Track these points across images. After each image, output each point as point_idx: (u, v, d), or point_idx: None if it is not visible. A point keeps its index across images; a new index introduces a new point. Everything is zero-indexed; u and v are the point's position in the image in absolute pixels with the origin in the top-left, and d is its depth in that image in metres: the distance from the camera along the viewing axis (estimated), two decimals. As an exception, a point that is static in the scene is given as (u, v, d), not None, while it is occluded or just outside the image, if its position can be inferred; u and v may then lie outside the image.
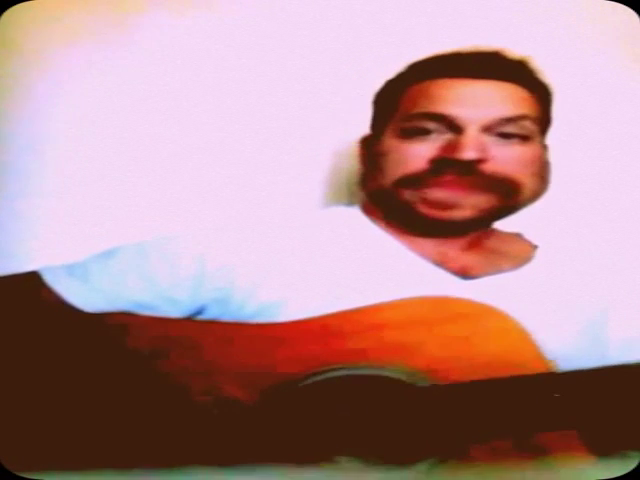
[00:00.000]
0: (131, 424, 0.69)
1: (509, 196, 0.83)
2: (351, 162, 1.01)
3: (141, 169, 1.10)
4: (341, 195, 1.10)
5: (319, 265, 0.83)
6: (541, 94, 0.87)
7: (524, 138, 0.83)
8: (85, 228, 1.07)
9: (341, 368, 0.71)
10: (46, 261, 0.84)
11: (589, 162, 1.13)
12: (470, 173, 0.81)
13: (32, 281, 0.81)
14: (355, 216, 0.91)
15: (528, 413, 0.66)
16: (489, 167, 0.81)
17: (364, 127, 0.93)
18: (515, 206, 0.86)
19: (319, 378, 0.71)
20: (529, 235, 0.93)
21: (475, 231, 0.87)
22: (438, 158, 0.82)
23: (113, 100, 1.11)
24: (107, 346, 0.74)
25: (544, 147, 0.89)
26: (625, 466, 0.62)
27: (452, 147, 0.81)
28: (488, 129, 0.82)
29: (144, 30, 1.11)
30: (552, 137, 0.92)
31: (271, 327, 0.75)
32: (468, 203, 0.82)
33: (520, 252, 0.89)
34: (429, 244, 0.86)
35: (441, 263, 0.84)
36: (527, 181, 0.84)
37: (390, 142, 0.86)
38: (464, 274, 0.84)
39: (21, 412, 0.70)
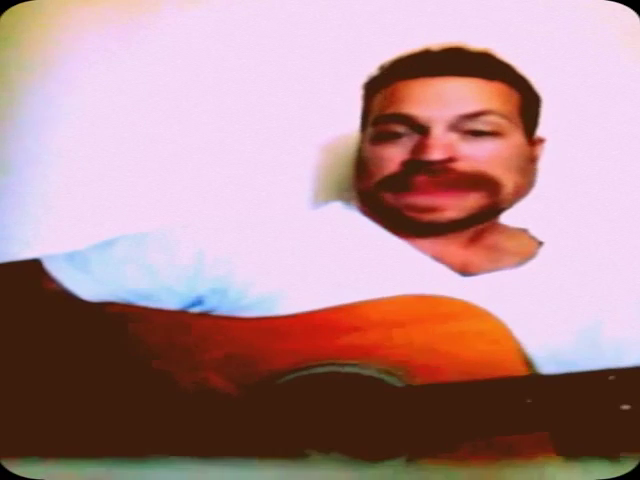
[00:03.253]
0: (124, 414, 0.69)
1: (491, 193, 0.83)
2: (341, 159, 1.02)
3: (140, 164, 1.11)
4: (332, 192, 1.10)
5: (317, 259, 0.83)
6: (513, 82, 0.86)
7: (495, 134, 0.82)
8: (87, 225, 1.07)
9: (318, 365, 0.71)
10: (48, 250, 0.85)
11: (589, 162, 1.13)
12: (441, 173, 0.81)
13: (33, 268, 0.81)
14: (354, 213, 0.91)
15: (503, 415, 0.66)
16: (461, 165, 0.81)
17: (355, 124, 0.94)
18: (500, 203, 0.85)
19: (300, 374, 0.71)
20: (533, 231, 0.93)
21: (468, 229, 0.86)
22: (407, 160, 0.82)
23: (114, 99, 1.11)
24: (104, 336, 0.74)
25: (528, 141, 0.87)
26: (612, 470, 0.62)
27: (419, 148, 0.81)
28: (454, 127, 0.81)
29: (144, 30, 1.12)
30: (552, 137, 0.92)
31: (260, 321, 0.76)
32: (449, 204, 0.82)
33: (522, 249, 0.88)
34: (427, 241, 0.86)
35: (440, 260, 0.84)
36: (505, 177, 0.83)
37: (367, 146, 0.87)
38: (464, 271, 0.83)
39: (14, 401, 0.69)
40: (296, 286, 0.79)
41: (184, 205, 1.10)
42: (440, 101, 0.82)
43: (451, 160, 0.80)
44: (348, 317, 0.74)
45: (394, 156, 0.83)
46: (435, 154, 0.80)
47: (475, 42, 0.87)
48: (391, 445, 0.67)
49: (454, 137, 0.81)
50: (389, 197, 0.84)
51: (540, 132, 0.91)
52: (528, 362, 0.71)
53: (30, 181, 1.09)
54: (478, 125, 0.82)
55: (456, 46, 0.86)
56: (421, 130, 0.82)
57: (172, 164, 1.11)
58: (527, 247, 0.89)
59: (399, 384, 0.69)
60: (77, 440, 0.68)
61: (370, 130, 0.87)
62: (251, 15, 1.13)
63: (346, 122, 0.95)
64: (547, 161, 0.91)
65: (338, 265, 0.82)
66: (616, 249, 0.96)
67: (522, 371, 0.70)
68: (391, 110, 0.84)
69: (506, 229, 0.92)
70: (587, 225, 1.11)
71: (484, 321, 0.72)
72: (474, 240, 0.87)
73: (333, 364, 0.71)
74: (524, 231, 0.93)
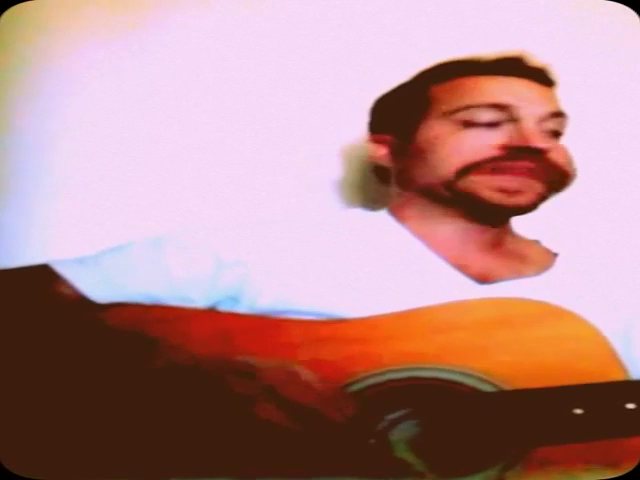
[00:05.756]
0: (140, 429, 0.67)
1: (558, 185, 0.87)
2: (356, 164, 1.01)
3: (148, 168, 1.10)
4: (354, 197, 1.10)
5: (331, 264, 0.82)
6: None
7: (559, 134, 0.88)
8: (94, 227, 1.06)
9: (405, 369, 0.70)
10: (53, 252, 0.84)
11: (588, 162, 1.12)
12: (540, 161, 0.84)
13: (43, 273, 0.80)
14: (377, 219, 0.91)
15: (602, 420, 0.64)
16: (552, 157, 0.85)
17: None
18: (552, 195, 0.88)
19: (381, 379, 0.69)
20: (549, 241, 0.94)
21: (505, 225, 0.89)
22: (510, 145, 0.84)
23: (115, 100, 1.10)
24: (119, 345, 0.72)
25: None
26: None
27: (521, 136, 0.83)
28: (540, 123, 0.85)
29: (145, 30, 1.11)
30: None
31: (326, 324, 0.74)
32: (532, 189, 0.84)
33: (540, 258, 0.90)
34: (452, 245, 0.86)
35: (460, 266, 0.84)
36: (570, 173, 0.88)
37: (442, 134, 0.86)
38: (483, 279, 0.84)
39: (24, 412, 0.68)
40: (310, 292, 0.79)
41: (195, 208, 1.09)
42: (530, 97, 0.86)
43: (547, 150, 0.84)
44: (429, 320, 0.73)
45: (489, 141, 0.84)
46: (539, 142, 0.83)
47: (474, 42, 0.88)
48: (484, 454, 0.65)
49: (542, 131, 0.85)
50: (470, 180, 0.84)
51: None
52: (623, 366, 0.70)
53: (32, 182, 1.08)
54: (556, 125, 0.87)
55: (519, 55, 0.89)
56: (514, 120, 0.85)
57: (175, 165, 1.10)
58: (544, 256, 0.91)
59: (490, 389, 0.68)
60: (89, 458, 0.66)
61: (448, 118, 0.87)
62: (252, 15, 1.13)
63: (354, 123, 0.95)
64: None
65: (352, 270, 0.82)
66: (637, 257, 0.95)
67: (619, 376, 0.69)
68: (488, 99, 0.86)
69: (521, 237, 0.93)
70: (606, 232, 1.11)
71: (577, 324, 0.71)
72: (496, 245, 0.88)
73: (414, 369, 0.70)
74: (536, 242, 0.94)
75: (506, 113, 0.85)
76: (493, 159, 0.84)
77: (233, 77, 1.12)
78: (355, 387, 0.69)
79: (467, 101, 0.86)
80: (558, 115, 0.88)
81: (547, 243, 0.95)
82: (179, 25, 1.11)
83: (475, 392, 0.68)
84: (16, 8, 0.94)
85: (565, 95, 1.09)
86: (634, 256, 0.94)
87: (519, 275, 0.85)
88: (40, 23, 1.08)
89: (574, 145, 1.10)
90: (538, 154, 0.83)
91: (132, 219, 1.06)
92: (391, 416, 0.69)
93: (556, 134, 0.88)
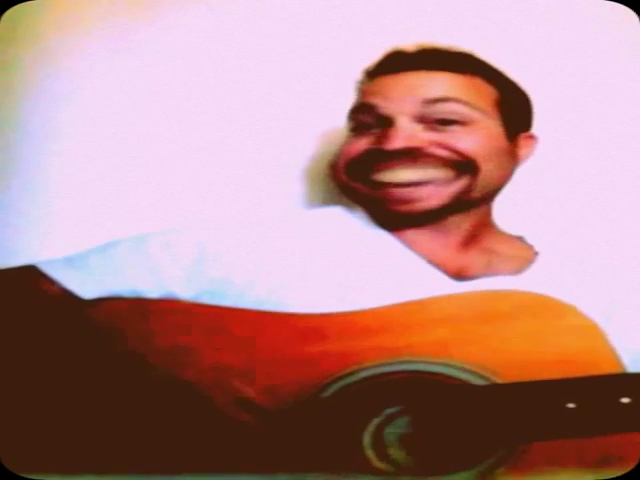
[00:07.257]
0: (135, 425, 0.67)
1: (468, 176, 0.83)
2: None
3: (140, 165, 1.10)
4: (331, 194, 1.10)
5: (315, 260, 0.83)
6: (490, 78, 0.87)
7: (462, 123, 0.83)
8: (87, 227, 1.07)
9: (400, 362, 0.70)
10: (48, 253, 0.85)
11: (589, 162, 1.12)
12: (404, 163, 0.81)
13: (30, 273, 0.81)
14: (353, 216, 0.91)
15: (596, 415, 0.64)
16: (436, 151, 0.82)
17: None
18: (473, 189, 0.84)
19: (373, 372, 0.69)
20: (530, 238, 0.93)
21: (445, 219, 0.86)
22: (369, 149, 0.84)
23: (114, 99, 1.11)
24: (111, 340, 0.73)
25: (510, 137, 0.87)
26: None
27: (381, 138, 0.83)
28: (420, 118, 0.83)
29: (144, 30, 1.11)
30: (552, 137, 0.92)
31: (310, 318, 0.74)
32: (426, 194, 0.82)
33: (520, 255, 0.88)
34: (423, 241, 0.85)
35: (435, 263, 0.84)
36: (483, 165, 0.83)
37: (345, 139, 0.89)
38: (459, 275, 0.83)
39: (22, 411, 0.69)
40: (294, 287, 0.80)
41: (184, 205, 1.09)
42: (405, 92, 0.83)
43: (416, 149, 0.81)
44: (422, 312, 0.73)
45: (359, 146, 0.85)
46: (395, 143, 0.81)
47: (474, 41, 0.88)
48: (477, 449, 0.65)
49: (419, 128, 0.82)
50: (360, 187, 0.86)
51: (540, 132, 0.91)
52: (619, 360, 0.69)
53: (30, 182, 1.09)
54: (442, 113, 0.82)
55: (434, 46, 0.87)
56: (386, 122, 0.83)
57: (172, 164, 1.11)
58: (524, 254, 0.89)
59: (484, 383, 0.68)
60: (88, 454, 0.66)
61: (347, 124, 0.89)
62: (251, 15, 1.13)
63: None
64: (546, 161, 0.91)
65: (337, 266, 0.82)
66: (618, 252, 0.95)
67: (616, 369, 0.68)
68: (359, 101, 0.87)
69: (502, 235, 0.92)
70: (587, 228, 1.10)
71: (575, 316, 0.71)
72: (469, 243, 0.87)
73: (406, 362, 0.70)
74: (520, 238, 0.93)
75: (375, 114, 0.84)
76: (358, 162, 0.84)
77: (230, 76, 1.12)
78: (335, 386, 0.69)
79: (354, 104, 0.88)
80: (444, 100, 0.83)
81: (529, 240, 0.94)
82: (179, 25, 1.12)
83: (466, 385, 0.68)
84: (16, 8, 0.94)
85: (565, 95, 1.10)
86: (613, 249, 0.94)
87: (496, 272, 0.84)
88: (40, 23, 1.08)
89: (573, 145, 1.11)
90: (410, 154, 0.81)
91: (130, 218, 1.06)
92: (386, 412, 0.69)
93: (456, 123, 0.83)
